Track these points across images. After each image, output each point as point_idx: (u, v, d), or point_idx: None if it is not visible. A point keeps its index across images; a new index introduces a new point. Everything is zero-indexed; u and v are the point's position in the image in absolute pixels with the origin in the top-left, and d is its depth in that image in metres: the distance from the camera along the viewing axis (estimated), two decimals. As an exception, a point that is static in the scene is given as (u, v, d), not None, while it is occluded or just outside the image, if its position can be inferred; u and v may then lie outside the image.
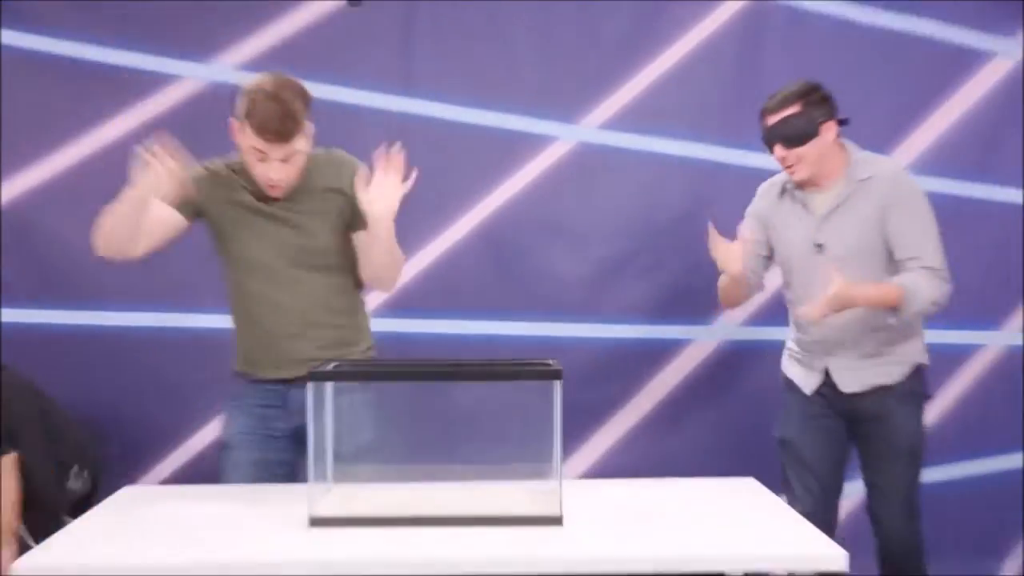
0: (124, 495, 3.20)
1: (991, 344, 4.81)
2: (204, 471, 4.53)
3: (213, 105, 4.68)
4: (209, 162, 3.53)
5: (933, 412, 4.65)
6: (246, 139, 3.31)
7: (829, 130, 3.66)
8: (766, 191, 3.94)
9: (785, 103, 3.66)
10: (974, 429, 4.76)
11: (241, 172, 3.44)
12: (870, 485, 3.83)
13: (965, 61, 4.80)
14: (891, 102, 4.76)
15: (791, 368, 3.93)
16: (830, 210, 3.69)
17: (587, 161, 4.78)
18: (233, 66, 4.74)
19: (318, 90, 4.61)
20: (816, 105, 3.65)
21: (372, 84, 4.75)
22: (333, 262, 3.48)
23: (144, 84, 4.73)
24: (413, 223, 4.66)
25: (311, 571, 2.52)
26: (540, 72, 4.78)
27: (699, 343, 4.81)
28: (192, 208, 3.47)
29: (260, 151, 3.29)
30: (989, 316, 4.79)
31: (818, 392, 3.80)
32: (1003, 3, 4.75)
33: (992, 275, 4.77)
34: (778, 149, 3.66)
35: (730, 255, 3.74)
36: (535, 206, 4.78)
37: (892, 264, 3.63)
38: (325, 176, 3.45)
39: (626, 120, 4.79)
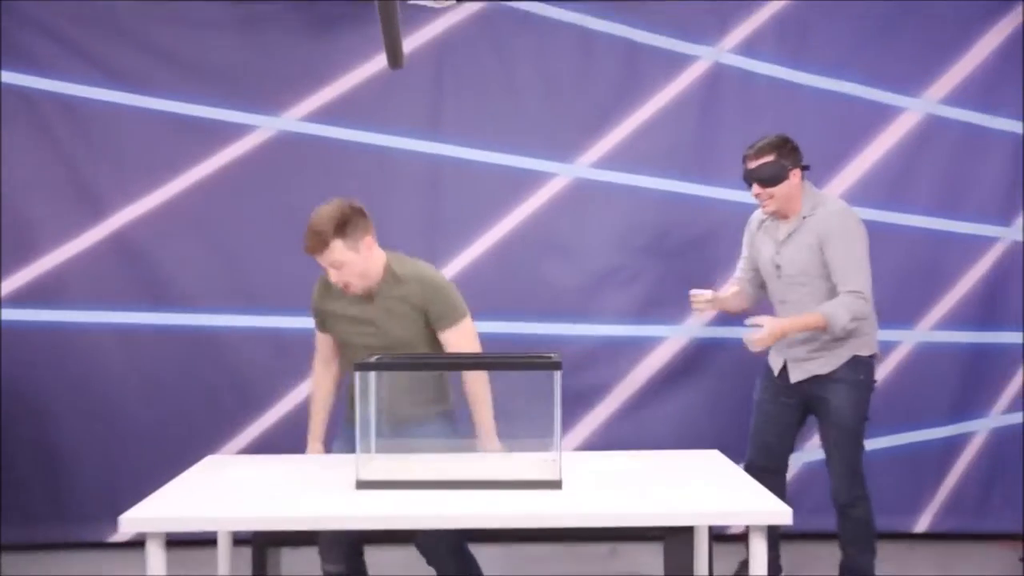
0: (207, 462, 3.17)
1: (906, 341, 4.75)
2: (270, 444, 4.54)
3: (282, 150, 4.71)
4: (322, 275, 3.41)
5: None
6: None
7: (795, 175, 3.70)
8: (751, 222, 3.97)
9: (762, 152, 3.69)
10: (896, 410, 4.70)
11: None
12: (824, 450, 3.86)
13: (881, 115, 4.76)
14: (823, 147, 4.68)
15: (771, 353, 3.93)
16: (785, 238, 3.73)
17: (581, 193, 4.75)
18: (298, 118, 4.73)
19: (365, 136, 4.69)
20: (787, 155, 3.69)
21: (408, 131, 4.73)
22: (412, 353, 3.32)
23: (227, 133, 4.71)
24: (441, 242, 4.71)
25: (358, 525, 2.57)
26: (543, 122, 4.75)
27: (672, 339, 4.76)
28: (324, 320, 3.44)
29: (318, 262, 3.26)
30: (905, 318, 4.73)
31: (780, 376, 3.84)
32: (911, 68, 4.72)
33: (905, 284, 4.71)
34: (755, 187, 3.70)
35: (716, 305, 3.95)
36: (539, 229, 4.75)
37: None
38: (394, 286, 3.28)
39: (612, 160, 4.76)
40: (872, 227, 4.56)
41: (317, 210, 3.22)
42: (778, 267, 3.75)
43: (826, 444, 3.79)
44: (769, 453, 3.87)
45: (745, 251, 3.99)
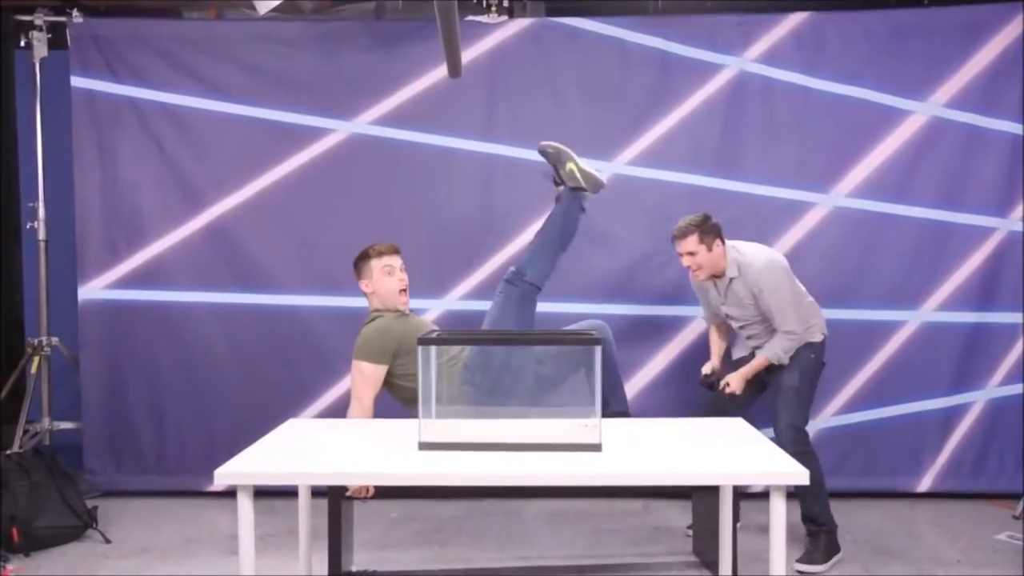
0: (289, 425, 3.16)
1: (912, 321, 4.63)
2: (344, 409, 4.52)
3: (354, 150, 4.70)
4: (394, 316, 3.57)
5: (872, 368, 4.61)
6: (377, 267, 3.53)
7: (717, 246, 3.85)
8: (694, 283, 4.13)
9: (687, 232, 3.84)
10: (902, 382, 4.62)
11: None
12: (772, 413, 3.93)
13: (890, 117, 4.63)
14: (838, 146, 4.64)
15: (735, 346, 4.22)
16: (723, 293, 3.96)
17: (619, 187, 4.65)
18: (368, 122, 4.71)
19: (427, 138, 4.67)
20: (707, 232, 3.83)
21: (465, 133, 4.70)
22: None
23: (306, 135, 4.71)
24: (494, 231, 4.69)
25: (420, 481, 2.52)
26: (585, 124, 4.68)
27: (699, 319, 4.65)
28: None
29: (390, 266, 3.53)
30: (909, 300, 4.62)
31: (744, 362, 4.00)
32: (917, 75, 4.59)
33: (911, 270, 4.62)
34: (685, 259, 3.90)
35: (720, 348, 4.26)
36: (583, 220, 4.64)
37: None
38: None
39: (647, 158, 4.69)
40: (881, 218, 4.61)
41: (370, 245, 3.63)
42: (728, 316, 3.97)
43: (776, 407, 3.83)
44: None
45: (701, 298, 4.18)
